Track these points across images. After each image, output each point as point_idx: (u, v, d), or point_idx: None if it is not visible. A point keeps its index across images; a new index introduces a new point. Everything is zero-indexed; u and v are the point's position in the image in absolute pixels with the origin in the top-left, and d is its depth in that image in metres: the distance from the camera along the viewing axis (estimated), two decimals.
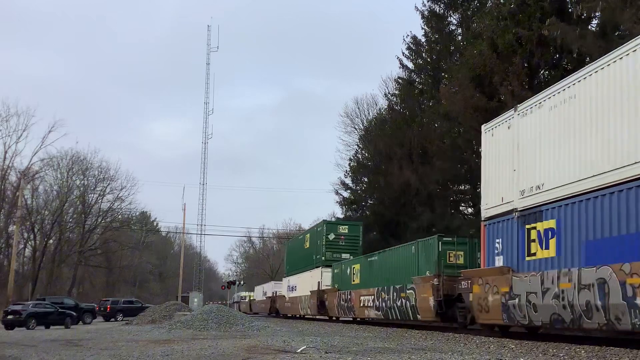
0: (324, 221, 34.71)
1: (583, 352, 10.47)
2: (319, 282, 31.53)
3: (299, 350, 11.15)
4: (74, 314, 32.42)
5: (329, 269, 31.44)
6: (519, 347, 11.82)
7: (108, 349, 12.96)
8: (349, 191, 48.44)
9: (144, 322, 27.03)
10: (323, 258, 32.47)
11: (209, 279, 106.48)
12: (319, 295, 31.27)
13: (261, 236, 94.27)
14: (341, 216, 51.89)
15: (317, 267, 33.14)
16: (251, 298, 64.88)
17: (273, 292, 48.55)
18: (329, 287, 30.70)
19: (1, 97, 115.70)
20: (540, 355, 10.43)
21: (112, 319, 38.47)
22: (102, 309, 39.82)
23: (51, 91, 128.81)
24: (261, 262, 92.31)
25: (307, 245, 36.75)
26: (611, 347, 10.89)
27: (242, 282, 68.03)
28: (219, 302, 53.18)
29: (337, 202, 50.15)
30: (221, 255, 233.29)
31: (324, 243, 32.57)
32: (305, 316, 37.10)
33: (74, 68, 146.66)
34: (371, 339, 14.84)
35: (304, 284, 35.35)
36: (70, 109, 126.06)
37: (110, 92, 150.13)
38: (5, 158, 53.45)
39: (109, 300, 41.60)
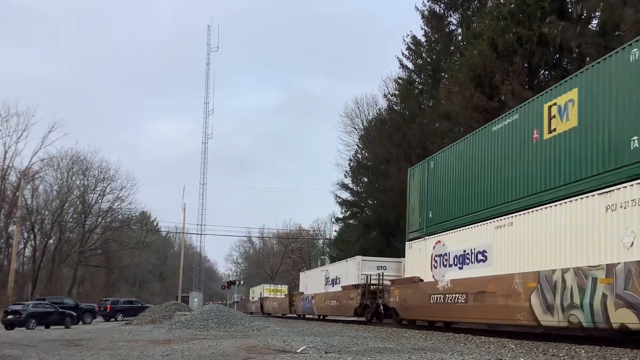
0: None
1: (583, 352, 10.46)
2: None
3: (299, 350, 11.14)
4: (74, 314, 32.41)
5: None
6: (519, 347, 11.81)
7: (108, 349, 12.94)
8: (348, 192, 48.49)
9: (144, 322, 27.01)
10: None
11: (209, 279, 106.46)
12: None
13: (261, 236, 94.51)
14: (340, 216, 51.91)
15: None
16: (285, 293, 50.27)
17: (361, 278, 28.23)
18: None
19: (1, 97, 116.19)
20: (540, 355, 10.41)
21: (112, 319, 38.45)
22: (102, 309, 39.83)
23: (51, 91, 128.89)
24: (261, 262, 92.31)
25: (575, 122, 12.69)
26: (611, 347, 10.88)
27: (242, 282, 67.98)
28: (219, 302, 52.98)
29: (337, 202, 50.23)
30: (221, 255, 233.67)
31: None
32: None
33: (74, 68, 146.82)
34: (371, 339, 14.83)
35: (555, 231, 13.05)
36: (70, 109, 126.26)
37: (111, 92, 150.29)
38: (5, 158, 53.60)
39: (109, 300, 41.60)
